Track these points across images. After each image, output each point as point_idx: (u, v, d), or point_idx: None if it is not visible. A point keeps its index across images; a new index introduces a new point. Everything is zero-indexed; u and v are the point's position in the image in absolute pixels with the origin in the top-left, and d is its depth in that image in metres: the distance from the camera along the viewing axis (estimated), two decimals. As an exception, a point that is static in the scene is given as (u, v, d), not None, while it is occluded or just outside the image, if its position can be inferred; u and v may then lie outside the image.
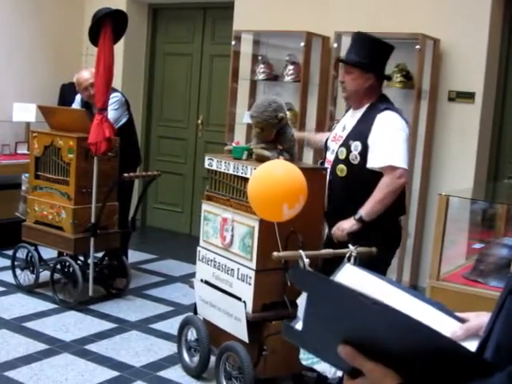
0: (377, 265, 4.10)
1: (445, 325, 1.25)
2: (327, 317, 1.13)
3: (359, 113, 4.27)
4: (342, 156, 4.18)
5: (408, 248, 6.61)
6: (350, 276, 1.35)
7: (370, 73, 4.23)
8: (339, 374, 3.83)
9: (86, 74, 6.13)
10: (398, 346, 1.04)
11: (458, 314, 1.30)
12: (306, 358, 3.88)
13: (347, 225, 4.11)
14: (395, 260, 6.15)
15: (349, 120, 4.35)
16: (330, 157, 4.32)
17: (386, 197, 4.05)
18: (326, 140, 4.53)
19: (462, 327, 1.25)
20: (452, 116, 6.51)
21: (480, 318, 1.27)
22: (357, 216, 4.08)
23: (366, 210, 4.07)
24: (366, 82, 4.23)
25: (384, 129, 4.08)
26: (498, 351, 1.05)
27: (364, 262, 3.90)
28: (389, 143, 4.05)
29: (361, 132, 4.15)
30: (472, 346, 1.19)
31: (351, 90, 4.26)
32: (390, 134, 4.07)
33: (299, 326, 1.19)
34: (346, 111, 4.62)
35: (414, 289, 6.72)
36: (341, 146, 4.22)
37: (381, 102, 4.24)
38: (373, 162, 4.07)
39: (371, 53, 4.23)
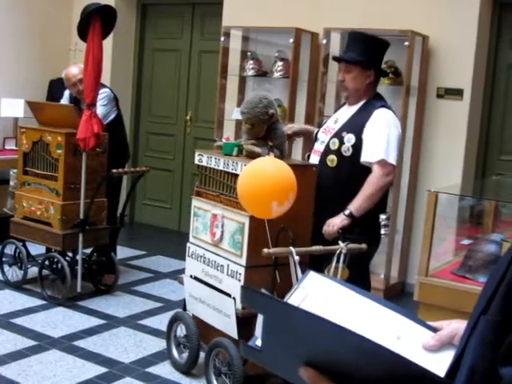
0: (360, 260, 4.15)
1: (417, 334, 1.20)
2: (286, 339, 1.05)
3: (355, 107, 4.33)
4: (334, 147, 4.24)
5: (396, 244, 6.64)
6: (314, 285, 1.26)
7: (370, 70, 4.28)
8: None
9: (75, 70, 6.10)
10: (365, 371, 0.98)
11: (429, 323, 1.24)
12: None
13: (337, 220, 4.16)
14: (383, 256, 6.18)
15: (342, 114, 4.41)
16: (319, 147, 4.37)
17: (374, 193, 4.14)
18: (316, 132, 4.57)
19: (434, 337, 1.19)
20: (440, 113, 6.53)
21: (452, 326, 1.20)
22: (347, 212, 4.14)
23: (355, 205, 4.14)
24: (367, 79, 4.29)
25: (380, 125, 4.16)
26: (472, 376, 1.01)
27: (350, 257, 3.94)
28: (383, 139, 4.13)
29: (355, 125, 4.21)
30: (446, 356, 1.15)
31: (352, 89, 4.30)
32: (385, 130, 4.16)
33: (259, 342, 1.10)
34: (340, 106, 4.65)
35: (403, 285, 6.75)
36: (333, 136, 4.28)
37: (377, 100, 4.32)
38: (367, 157, 4.14)
39: (369, 49, 4.28)
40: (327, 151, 4.29)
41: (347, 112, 4.38)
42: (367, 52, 4.28)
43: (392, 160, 4.17)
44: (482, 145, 6.74)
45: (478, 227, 4.86)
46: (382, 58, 4.45)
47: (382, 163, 4.13)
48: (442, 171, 6.47)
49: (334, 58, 4.70)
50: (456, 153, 6.45)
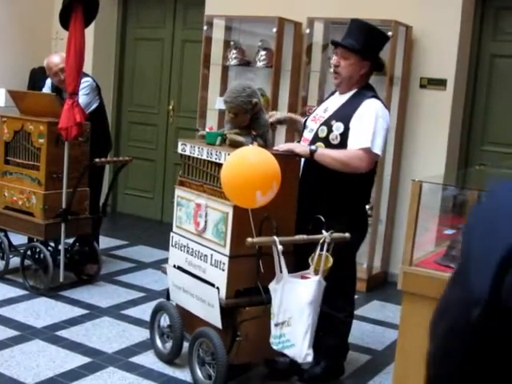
0: (347, 249, 4.16)
1: None
2: None
3: (345, 97, 4.32)
4: (323, 134, 4.23)
5: (379, 234, 6.65)
6: None
7: (367, 61, 4.26)
8: (309, 358, 3.86)
9: (56, 59, 6.06)
10: None
11: None
12: (277, 343, 3.90)
13: (300, 148, 4.22)
14: (366, 246, 6.20)
15: (332, 102, 4.40)
16: (308, 135, 4.36)
17: (341, 163, 4.13)
18: (305, 120, 4.56)
19: None
20: (423, 103, 6.55)
21: None
22: (313, 147, 4.17)
23: (323, 151, 4.16)
24: (361, 70, 4.27)
25: (368, 114, 4.16)
26: None
27: (335, 246, 3.94)
28: (370, 128, 4.12)
29: (345, 114, 4.21)
30: None
31: (345, 76, 4.28)
32: (373, 120, 4.15)
33: None
34: (331, 95, 4.63)
35: (385, 275, 6.76)
36: (322, 124, 4.27)
37: (368, 90, 4.31)
38: (353, 144, 4.13)
39: (369, 41, 4.26)
40: (315, 139, 4.28)
41: (337, 100, 4.37)
42: (367, 42, 4.24)
43: (377, 150, 4.15)
44: (464, 135, 6.77)
45: (462, 217, 4.87)
46: (380, 51, 4.43)
47: (367, 150, 4.13)
48: (424, 161, 6.49)
49: (333, 42, 4.64)
50: (439, 143, 6.47)
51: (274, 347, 3.91)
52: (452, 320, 0.89)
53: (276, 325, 3.88)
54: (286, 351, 3.90)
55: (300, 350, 3.83)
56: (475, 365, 0.85)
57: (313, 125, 4.38)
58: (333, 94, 4.59)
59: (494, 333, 0.81)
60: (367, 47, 4.25)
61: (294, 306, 3.82)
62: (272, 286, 3.91)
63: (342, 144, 4.17)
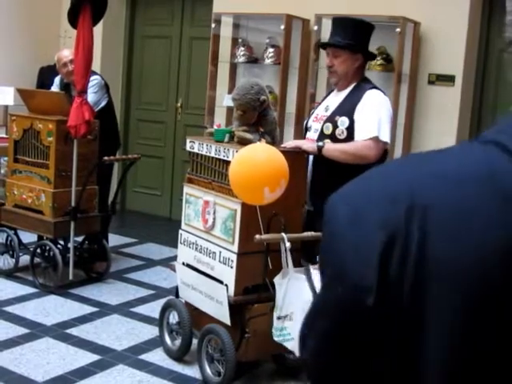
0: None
1: None
2: None
3: (344, 92, 4.35)
4: (328, 131, 4.25)
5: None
6: None
7: (358, 53, 4.29)
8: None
9: (67, 52, 6.15)
10: None
11: None
12: (278, 335, 3.92)
13: (307, 144, 4.26)
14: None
15: (332, 100, 4.41)
16: (313, 136, 4.37)
17: (350, 154, 4.15)
18: (306, 122, 4.57)
19: None
20: (432, 99, 6.53)
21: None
22: (320, 143, 4.19)
23: (330, 145, 4.19)
24: (355, 63, 4.30)
25: (371, 104, 4.20)
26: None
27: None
28: (375, 118, 4.15)
29: (348, 108, 4.24)
30: None
31: (341, 73, 4.31)
32: (376, 109, 4.19)
33: None
34: (328, 94, 4.65)
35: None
36: (326, 121, 4.28)
37: (366, 83, 4.34)
38: (360, 136, 4.15)
39: (356, 33, 4.30)
40: (321, 137, 4.28)
41: (337, 97, 4.39)
42: (354, 35, 4.30)
43: (384, 138, 4.19)
44: (473, 131, 6.74)
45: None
46: (369, 41, 4.46)
47: (375, 140, 4.15)
48: (433, 157, 6.46)
49: (322, 44, 4.70)
50: (448, 139, 6.44)
51: (275, 338, 3.94)
52: (337, 315, 0.93)
53: (278, 318, 3.90)
54: (286, 344, 3.92)
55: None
56: (368, 350, 0.90)
57: (316, 125, 4.39)
58: (330, 92, 4.62)
59: (389, 315, 0.86)
60: (355, 40, 4.29)
61: (297, 301, 3.83)
62: (277, 279, 3.92)
63: (349, 138, 4.19)
